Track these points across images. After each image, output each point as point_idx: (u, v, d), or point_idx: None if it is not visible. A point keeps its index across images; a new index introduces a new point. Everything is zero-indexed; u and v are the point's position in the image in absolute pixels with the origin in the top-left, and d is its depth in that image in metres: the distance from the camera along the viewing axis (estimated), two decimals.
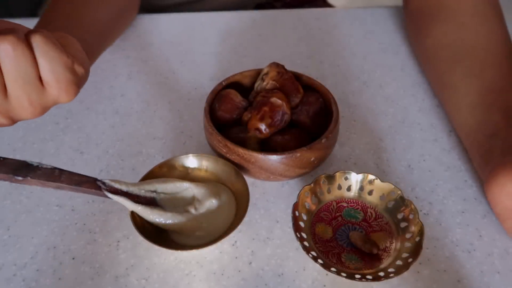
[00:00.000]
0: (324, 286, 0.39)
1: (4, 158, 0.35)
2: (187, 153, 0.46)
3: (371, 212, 0.43)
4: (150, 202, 0.40)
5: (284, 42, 0.66)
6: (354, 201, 0.44)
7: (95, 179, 0.38)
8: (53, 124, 0.53)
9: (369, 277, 0.37)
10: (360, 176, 0.43)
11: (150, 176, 0.42)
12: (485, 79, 0.48)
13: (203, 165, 0.45)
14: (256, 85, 0.48)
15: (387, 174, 0.48)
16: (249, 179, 0.44)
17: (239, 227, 0.39)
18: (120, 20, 0.61)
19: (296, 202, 0.41)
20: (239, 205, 0.42)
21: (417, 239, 0.39)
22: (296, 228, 0.39)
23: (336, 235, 0.42)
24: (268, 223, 0.43)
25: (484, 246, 0.42)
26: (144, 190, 0.40)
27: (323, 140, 0.42)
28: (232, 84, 0.49)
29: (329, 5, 0.87)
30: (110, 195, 0.38)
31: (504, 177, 0.40)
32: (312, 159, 0.42)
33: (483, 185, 0.44)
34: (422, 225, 0.39)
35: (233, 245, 0.42)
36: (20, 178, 0.35)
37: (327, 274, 0.40)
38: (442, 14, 0.55)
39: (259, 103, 0.43)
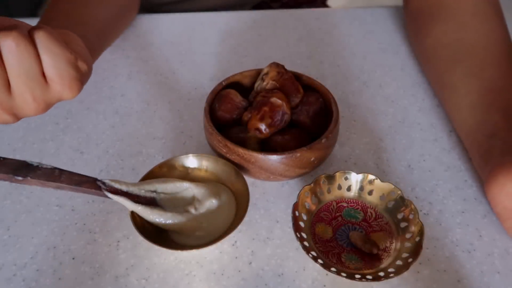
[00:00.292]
0: (324, 286, 0.39)
1: (4, 158, 0.35)
2: (187, 153, 0.46)
3: (371, 212, 0.43)
4: (150, 202, 0.40)
5: (284, 42, 0.66)
6: (354, 201, 0.44)
7: (95, 179, 0.38)
8: (53, 124, 0.53)
9: (369, 277, 0.37)
10: (360, 176, 0.43)
11: (150, 176, 0.42)
12: (485, 78, 0.48)
13: (203, 165, 0.45)
14: (256, 85, 0.48)
15: (387, 174, 0.48)
16: (249, 179, 0.44)
17: (239, 227, 0.39)
18: (120, 19, 0.61)
19: (296, 202, 0.41)
20: (239, 205, 0.42)
21: (417, 239, 0.39)
22: (296, 228, 0.39)
23: (336, 235, 0.42)
24: (268, 223, 0.43)
25: (484, 246, 0.42)
26: (144, 190, 0.40)
27: (323, 140, 0.42)
28: (232, 84, 0.49)
29: (327, 6, 0.87)
30: (110, 195, 0.38)
31: (503, 177, 0.40)
32: (312, 159, 0.42)
33: (483, 185, 0.44)
34: (422, 225, 0.39)
35: (233, 245, 0.42)
36: (20, 178, 0.35)
37: (327, 274, 0.40)
38: (442, 13, 0.55)
39: (259, 103, 0.43)
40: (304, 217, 0.41)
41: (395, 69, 0.61)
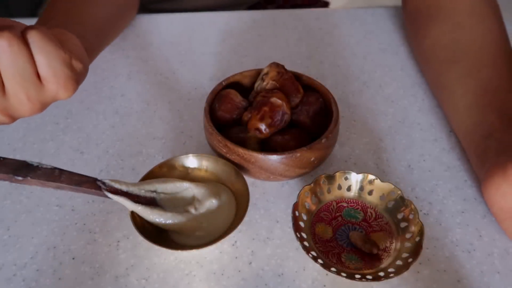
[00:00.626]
0: (324, 286, 0.39)
1: (4, 158, 0.35)
2: (187, 153, 0.46)
3: (371, 212, 0.43)
4: (150, 202, 0.40)
5: (284, 42, 0.66)
6: (354, 201, 0.44)
7: (95, 179, 0.38)
8: (53, 124, 0.53)
9: (369, 277, 0.37)
10: (360, 176, 0.43)
11: (150, 176, 0.42)
12: (481, 79, 0.48)
13: (203, 165, 0.45)
14: (256, 85, 0.48)
15: (387, 174, 0.48)
16: (249, 179, 0.44)
17: (239, 227, 0.39)
18: (119, 18, 0.61)
19: (296, 202, 0.41)
20: (239, 205, 0.42)
21: (417, 239, 0.39)
22: (296, 228, 0.39)
23: (336, 235, 0.42)
24: (268, 223, 0.43)
25: (484, 246, 0.42)
26: (144, 190, 0.40)
27: (323, 140, 0.42)
28: (232, 84, 0.49)
29: (326, 4, 0.87)
30: (110, 195, 0.38)
31: (499, 177, 0.40)
32: (312, 159, 0.42)
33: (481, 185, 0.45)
34: (422, 225, 0.39)
35: (233, 245, 0.42)
36: (20, 178, 0.35)
37: (327, 274, 0.40)
38: (440, 14, 0.55)
39: (259, 103, 0.43)
40: (304, 217, 0.41)
41: (395, 69, 0.61)
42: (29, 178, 0.35)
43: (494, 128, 0.44)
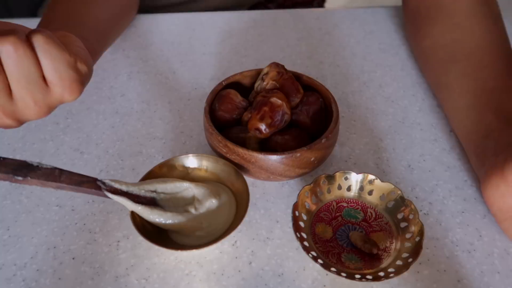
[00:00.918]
0: (324, 286, 0.39)
1: (4, 158, 0.35)
2: (187, 153, 0.46)
3: (371, 212, 0.43)
4: (150, 202, 0.40)
5: (284, 42, 0.66)
6: (354, 201, 0.44)
7: (95, 179, 0.38)
8: (53, 124, 0.53)
9: (369, 277, 0.37)
10: (360, 176, 0.43)
11: (150, 176, 0.42)
12: (480, 79, 0.48)
13: (203, 165, 0.45)
14: (256, 85, 0.48)
15: (387, 174, 0.48)
16: (249, 179, 0.44)
17: (239, 227, 0.39)
18: (120, 19, 0.61)
19: (296, 202, 0.41)
20: (239, 205, 0.42)
21: (417, 239, 0.39)
22: (296, 228, 0.39)
23: (336, 235, 0.42)
24: (268, 223, 0.43)
25: (484, 246, 0.42)
26: (144, 190, 0.40)
27: (323, 140, 0.42)
28: (232, 84, 0.49)
29: (322, 3, 0.87)
30: (110, 195, 0.38)
31: (496, 178, 0.40)
32: (312, 159, 0.42)
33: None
34: (422, 225, 0.39)
35: (233, 245, 0.42)
36: (20, 178, 0.35)
37: (327, 274, 0.40)
38: (439, 14, 0.55)
39: (259, 103, 0.43)
40: (304, 217, 0.41)
41: (395, 69, 0.61)
42: (29, 178, 0.35)
43: (491, 128, 0.44)
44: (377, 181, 0.43)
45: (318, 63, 0.62)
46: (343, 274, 0.36)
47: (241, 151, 0.41)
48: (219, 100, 0.46)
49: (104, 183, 0.38)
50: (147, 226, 0.40)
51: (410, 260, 0.37)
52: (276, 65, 0.47)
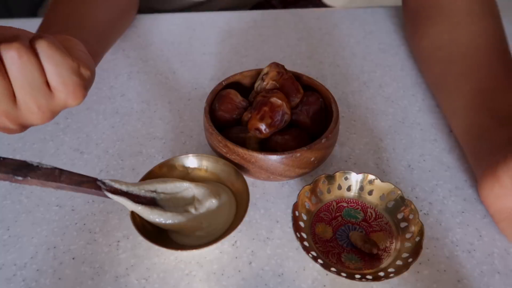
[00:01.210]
0: (324, 286, 0.39)
1: (4, 158, 0.35)
2: (187, 153, 0.46)
3: (371, 212, 0.43)
4: (150, 202, 0.40)
5: (284, 42, 0.66)
6: (354, 201, 0.44)
7: (95, 179, 0.38)
8: (53, 124, 0.53)
9: (369, 277, 0.37)
10: (360, 176, 0.43)
11: (150, 176, 0.42)
12: (476, 80, 0.48)
13: (203, 165, 0.45)
14: (256, 85, 0.48)
15: (387, 174, 0.48)
16: (249, 179, 0.44)
17: (239, 227, 0.39)
18: (120, 20, 0.61)
19: (296, 202, 0.41)
20: (239, 205, 0.42)
21: (417, 239, 0.39)
22: (296, 228, 0.39)
23: (336, 235, 0.42)
24: (268, 223, 0.43)
25: (484, 246, 0.42)
26: (144, 190, 0.40)
27: (323, 140, 0.42)
28: (232, 84, 0.49)
29: (325, 5, 0.87)
30: (110, 195, 0.38)
31: (491, 179, 0.40)
32: (312, 159, 0.42)
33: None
34: (422, 225, 0.39)
35: (233, 245, 0.42)
36: (20, 178, 0.35)
37: (327, 274, 0.40)
38: (437, 14, 0.55)
39: (259, 103, 0.43)
40: (304, 217, 0.41)
41: (395, 69, 0.61)
42: (29, 178, 0.35)
43: (486, 128, 0.44)
44: (377, 181, 0.43)
45: (318, 63, 0.62)
46: (343, 274, 0.36)
47: (241, 151, 0.41)
48: (219, 100, 0.46)
49: (104, 183, 0.38)
50: (147, 226, 0.40)
51: (410, 260, 0.37)
52: (276, 65, 0.47)
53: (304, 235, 0.40)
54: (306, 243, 0.39)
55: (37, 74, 0.33)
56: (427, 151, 0.50)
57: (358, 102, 0.56)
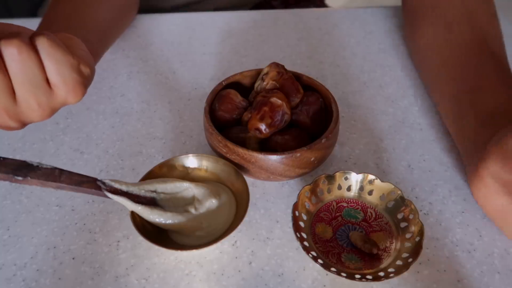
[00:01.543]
0: (324, 286, 0.39)
1: (4, 158, 0.35)
2: (187, 153, 0.46)
3: (371, 212, 0.43)
4: (150, 202, 0.40)
5: (284, 42, 0.66)
6: (354, 201, 0.44)
7: (95, 179, 0.38)
8: (53, 124, 0.53)
9: (369, 277, 0.37)
10: (360, 176, 0.43)
11: (150, 176, 0.42)
12: (466, 81, 0.48)
13: (203, 165, 0.45)
14: (256, 85, 0.48)
15: (387, 174, 0.48)
16: (249, 179, 0.44)
17: (239, 227, 0.39)
18: (120, 20, 0.61)
19: (296, 202, 0.41)
20: (239, 205, 0.42)
21: (417, 239, 0.39)
22: (296, 228, 0.39)
23: (336, 235, 0.42)
24: (268, 223, 0.43)
25: (484, 246, 0.42)
26: (144, 190, 0.40)
27: (323, 140, 0.42)
28: (232, 84, 0.49)
29: (326, 5, 0.87)
30: (110, 195, 0.38)
31: (477, 180, 0.40)
32: (312, 159, 0.42)
33: None
34: (422, 225, 0.39)
35: (233, 245, 0.42)
36: (20, 178, 0.35)
37: (327, 274, 0.40)
38: (434, 14, 0.55)
39: (259, 103, 0.43)
40: (304, 217, 0.41)
41: (395, 69, 0.61)
42: (29, 178, 0.35)
43: (471, 129, 0.44)
44: (377, 181, 0.43)
45: (318, 63, 0.62)
46: (343, 274, 0.36)
47: (241, 151, 0.41)
48: (219, 100, 0.46)
49: (104, 183, 0.38)
50: (147, 226, 0.40)
51: (410, 260, 0.37)
52: (276, 65, 0.47)
53: (304, 235, 0.40)
54: (306, 243, 0.39)
55: (37, 71, 0.33)
56: (427, 151, 0.50)
57: (358, 102, 0.56)
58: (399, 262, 0.38)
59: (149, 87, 0.59)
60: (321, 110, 0.46)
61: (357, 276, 0.37)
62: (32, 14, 0.88)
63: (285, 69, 0.47)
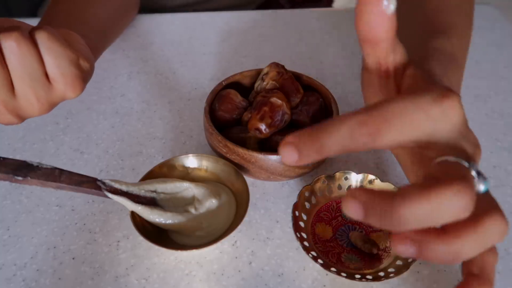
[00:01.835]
0: (324, 286, 0.39)
1: (4, 158, 0.35)
2: (187, 153, 0.46)
3: None
4: (150, 202, 0.40)
5: (284, 42, 0.66)
6: None
7: (95, 179, 0.38)
8: (53, 124, 0.53)
9: (369, 277, 0.37)
10: (360, 176, 0.43)
11: (150, 176, 0.42)
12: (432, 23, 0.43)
13: (203, 165, 0.45)
14: (256, 85, 0.48)
15: (387, 174, 0.48)
16: (249, 179, 0.44)
17: (239, 227, 0.39)
18: (121, 18, 0.61)
19: (296, 202, 0.41)
20: (239, 205, 0.42)
21: None
22: (296, 228, 0.39)
23: (336, 235, 0.42)
24: (268, 223, 0.43)
25: None
26: (144, 190, 0.40)
27: None
28: (232, 84, 0.49)
29: (331, 6, 0.87)
30: (110, 195, 0.38)
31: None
32: None
33: None
34: None
35: (233, 245, 0.42)
36: (20, 178, 0.35)
37: (327, 274, 0.40)
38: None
39: (259, 103, 0.43)
40: (304, 217, 0.41)
41: None
42: (29, 178, 0.35)
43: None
44: (377, 181, 0.43)
45: (318, 63, 0.62)
46: (343, 274, 0.36)
47: (241, 151, 0.41)
48: (219, 100, 0.46)
49: (104, 183, 0.38)
50: (147, 226, 0.40)
51: (410, 260, 0.37)
52: (276, 65, 0.47)
53: (304, 235, 0.40)
54: (306, 243, 0.39)
55: (36, 65, 0.33)
56: None
57: (358, 102, 0.56)
58: (399, 262, 0.38)
59: (149, 87, 0.59)
60: (321, 110, 0.46)
61: (357, 276, 0.37)
62: (32, 14, 0.88)
63: (285, 69, 0.47)
